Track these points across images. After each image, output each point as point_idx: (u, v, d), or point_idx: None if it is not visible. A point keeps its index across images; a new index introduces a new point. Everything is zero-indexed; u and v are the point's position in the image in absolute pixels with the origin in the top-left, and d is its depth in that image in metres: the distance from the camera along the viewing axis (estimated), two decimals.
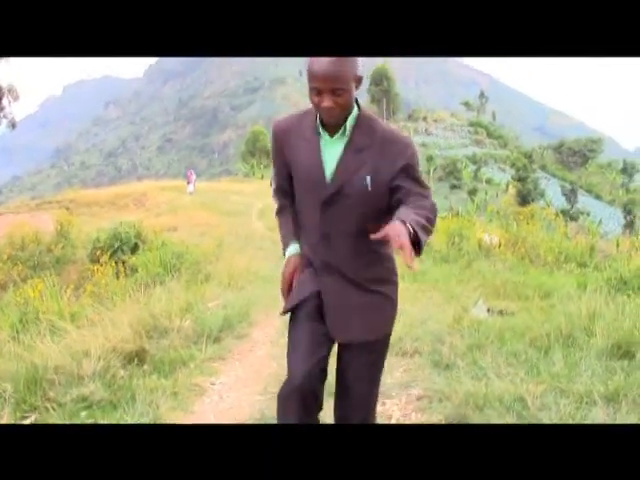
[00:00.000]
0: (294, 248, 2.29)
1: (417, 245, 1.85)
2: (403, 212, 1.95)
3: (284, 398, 2.15)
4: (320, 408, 2.24)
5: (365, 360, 2.25)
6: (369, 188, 2.10)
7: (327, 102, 2.02)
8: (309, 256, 2.27)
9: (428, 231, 1.95)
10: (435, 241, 11.31)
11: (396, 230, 1.78)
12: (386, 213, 2.06)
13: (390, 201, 2.10)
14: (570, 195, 36.85)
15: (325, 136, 2.17)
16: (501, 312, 6.23)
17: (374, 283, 2.21)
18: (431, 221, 2.00)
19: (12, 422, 3.33)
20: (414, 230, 1.83)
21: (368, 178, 2.10)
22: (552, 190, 38.16)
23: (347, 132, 2.14)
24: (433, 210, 2.04)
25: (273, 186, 2.45)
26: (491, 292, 7.48)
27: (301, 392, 2.10)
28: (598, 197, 47.27)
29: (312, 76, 2.00)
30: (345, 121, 2.13)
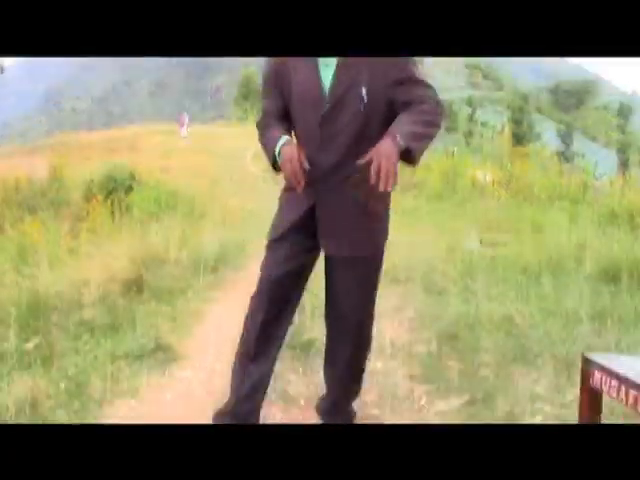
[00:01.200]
0: (285, 139, 2.10)
1: (409, 155, 1.89)
2: (395, 124, 1.94)
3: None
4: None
5: (355, 275, 2.20)
6: (365, 100, 2.04)
7: None
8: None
9: (426, 137, 1.95)
10: (429, 179, 11.36)
11: (380, 152, 1.81)
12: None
13: (391, 116, 2.03)
14: (565, 137, 36.69)
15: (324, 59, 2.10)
16: (493, 244, 6.33)
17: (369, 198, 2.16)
18: (432, 123, 1.99)
19: (16, 345, 3.43)
20: (406, 144, 1.85)
21: (364, 90, 2.04)
22: (547, 132, 37.93)
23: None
24: (435, 110, 2.02)
25: (259, 115, 2.30)
26: (484, 227, 7.56)
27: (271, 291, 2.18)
28: (593, 139, 47.05)
29: None
30: None
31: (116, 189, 11.46)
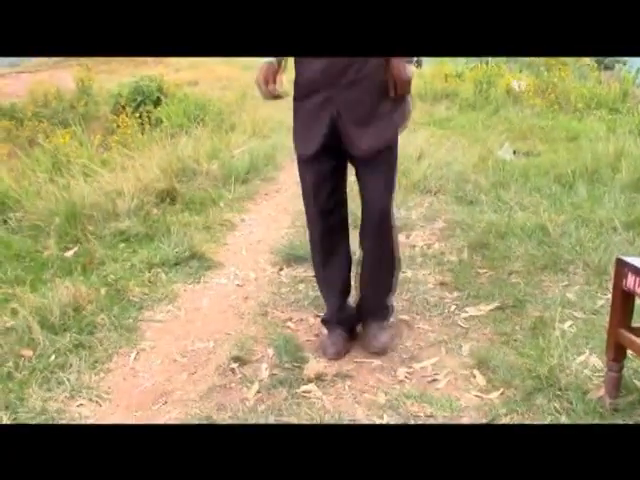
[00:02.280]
0: (271, 58, 2.24)
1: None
2: None
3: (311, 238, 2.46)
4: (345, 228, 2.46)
5: (387, 167, 2.29)
6: None
7: None
8: (313, 84, 2.20)
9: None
10: (462, 89, 11.03)
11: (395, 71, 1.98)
12: None
13: None
14: None
15: None
16: (527, 154, 6.21)
17: (385, 88, 2.17)
18: None
19: (57, 253, 3.54)
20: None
21: None
22: None
23: None
24: None
25: None
26: (518, 136, 7.39)
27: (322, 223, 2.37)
28: None
29: None
30: None
31: (144, 102, 11.39)
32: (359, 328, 2.58)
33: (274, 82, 2.24)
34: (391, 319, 2.59)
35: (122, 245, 3.69)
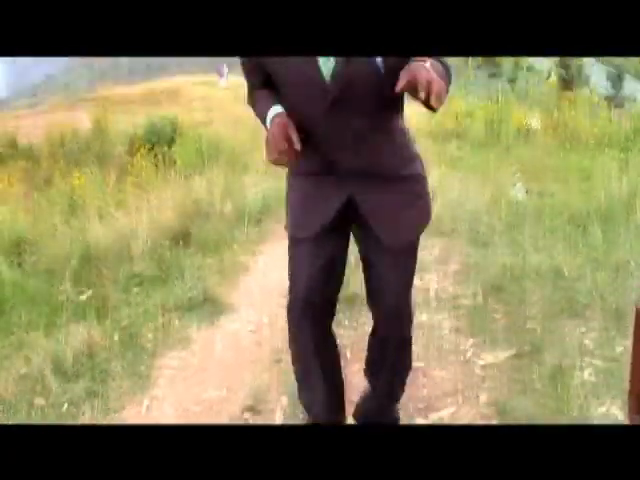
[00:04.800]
0: (278, 107, 1.76)
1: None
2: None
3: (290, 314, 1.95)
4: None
5: (411, 259, 1.95)
6: (382, 71, 1.65)
7: None
8: (322, 167, 1.86)
9: (445, 81, 1.60)
10: (473, 127, 11.10)
11: (413, 69, 1.47)
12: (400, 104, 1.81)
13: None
14: (615, 80, 35.28)
15: None
16: (540, 193, 6.20)
17: (403, 167, 1.86)
18: (447, 73, 1.67)
19: (72, 297, 3.55)
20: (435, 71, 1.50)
21: (379, 59, 1.64)
22: (597, 76, 36.53)
23: None
24: (446, 66, 1.69)
25: (247, 94, 1.94)
26: (530, 176, 7.38)
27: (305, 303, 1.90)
28: None
29: None
30: None
31: (159, 142, 11.55)
32: None
33: (297, 136, 1.68)
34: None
35: (136, 289, 3.70)
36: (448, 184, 6.41)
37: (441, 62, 1.67)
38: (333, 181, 1.85)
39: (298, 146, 1.67)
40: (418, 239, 1.96)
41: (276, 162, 1.71)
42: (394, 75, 1.53)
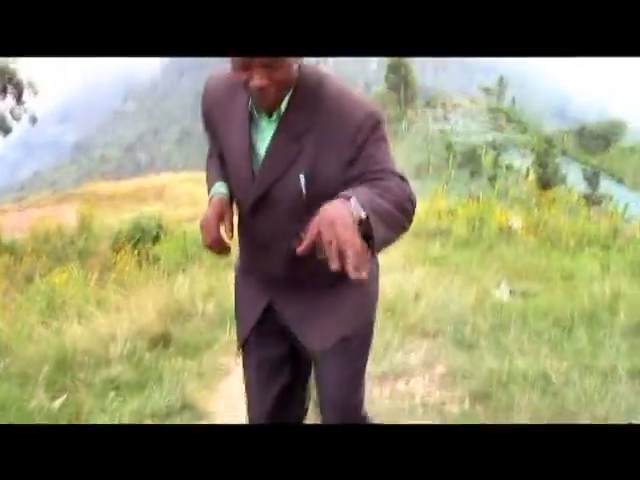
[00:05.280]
0: (220, 185, 1.69)
1: (367, 231, 1.26)
2: (350, 190, 1.35)
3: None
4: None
5: (346, 360, 1.79)
6: (304, 191, 1.53)
7: (258, 80, 1.44)
8: (248, 264, 1.83)
9: (394, 220, 1.35)
10: (455, 226, 11.27)
11: (326, 219, 1.21)
12: None
13: None
14: (592, 179, 36.37)
15: (260, 118, 1.60)
16: (524, 294, 6.21)
17: (337, 275, 1.32)
18: (401, 207, 1.39)
19: (44, 403, 3.41)
20: (365, 212, 1.26)
21: (302, 178, 1.52)
22: (574, 175, 37.74)
23: (281, 110, 1.55)
24: (405, 196, 1.43)
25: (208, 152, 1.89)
26: (513, 275, 7.43)
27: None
28: (621, 182, 46.67)
29: None
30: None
31: (143, 238, 11.60)
32: None
33: (230, 224, 1.61)
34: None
35: (112, 394, 3.56)
36: (432, 283, 6.41)
37: (390, 191, 1.39)
38: (258, 282, 1.77)
39: (229, 237, 1.57)
40: (369, 325, 1.81)
41: (211, 249, 1.63)
42: (318, 197, 1.38)
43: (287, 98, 1.54)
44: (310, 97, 1.53)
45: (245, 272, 1.85)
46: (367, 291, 1.79)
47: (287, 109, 1.55)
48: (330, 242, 1.18)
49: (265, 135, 1.59)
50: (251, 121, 1.61)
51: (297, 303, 1.74)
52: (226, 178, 1.72)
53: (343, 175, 1.49)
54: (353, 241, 1.18)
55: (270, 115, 1.57)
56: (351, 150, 1.49)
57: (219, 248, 1.64)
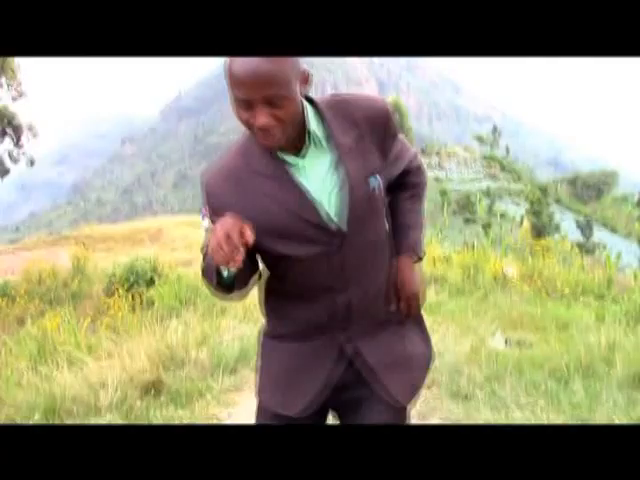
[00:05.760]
0: None
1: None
2: (402, 231, 1.73)
3: None
4: None
5: (403, 415, 1.75)
6: (381, 187, 1.59)
7: (262, 118, 1.39)
8: (296, 327, 1.69)
9: (422, 218, 1.79)
10: (450, 273, 11.27)
11: (404, 281, 1.70)
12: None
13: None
14: (585, 228, 36.64)
15: (293, 160, 1.51)
16: (519, 343, 6.17)
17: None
18: (422, 194, 1.80)
19: None
20: (418, 254, 1.80)
21: (375, 180, 1.57)
22: (567, 223, 38.02)
23: (321, 133, 1.52)
24: (421, 175, 1.79)
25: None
26: (508, 324, 7.40)
27: None
28: (614, 230, 46.98)
29: (235, 82, 1.36)
30: (301, 130, 1.49)
31: (137, 282, 11.52)
32: None
33: (247, 242, 1.35)
34: None
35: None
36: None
37: (419, 193, 1.79)
38: (329, 342, 1.64)
39: (250, 240, 1.35)
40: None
41: (224, 259, 1.35)
42: (382, 194, 1.60)
43: (316, 119, 1.52)
44: (339, 113, 1.53)
45: (307, 335, 1.68)
46: (428, 339, 1.86)
47: (329, 135, 1.52)
48: (408, 295, 1.72)
49: (310, 172, 1.51)
50: (287, 174, 1.51)
51: (382, 351, 1.67)
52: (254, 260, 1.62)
53: (386, 168, 1.63)
54: (417, 293, 1.77)
55: (299, 152, 1.51)
56: (388, 139, 1.62)
57: (235, 258, 1.36)
